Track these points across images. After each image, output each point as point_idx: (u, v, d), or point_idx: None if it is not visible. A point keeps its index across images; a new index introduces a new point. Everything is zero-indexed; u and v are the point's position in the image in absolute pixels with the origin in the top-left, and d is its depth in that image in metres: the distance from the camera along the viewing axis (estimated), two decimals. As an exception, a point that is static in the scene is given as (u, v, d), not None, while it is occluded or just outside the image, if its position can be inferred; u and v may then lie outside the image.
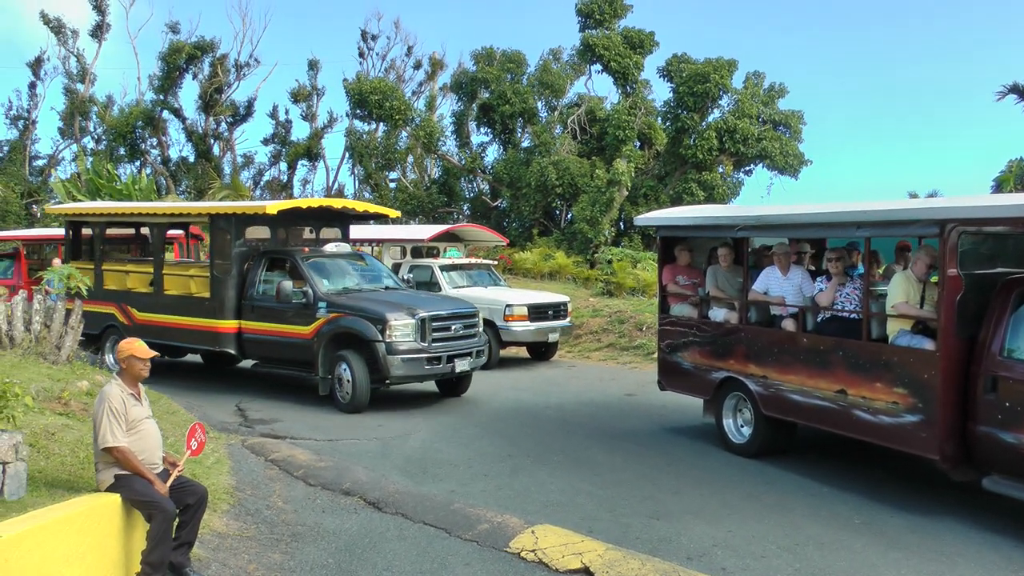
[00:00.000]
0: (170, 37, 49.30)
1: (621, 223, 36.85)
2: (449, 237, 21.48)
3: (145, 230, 17.82)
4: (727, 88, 35.42)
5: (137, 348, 6.42)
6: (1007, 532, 7.72)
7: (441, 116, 46.32)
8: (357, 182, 50.78)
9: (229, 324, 14.18)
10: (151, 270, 15.79)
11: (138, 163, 49.56)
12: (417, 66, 52.74)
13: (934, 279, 8.90)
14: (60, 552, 5.31)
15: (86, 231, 17.40)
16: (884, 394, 8.66)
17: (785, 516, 8.23)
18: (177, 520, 6.27)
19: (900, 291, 8.90)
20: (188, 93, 53.62)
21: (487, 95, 39.42)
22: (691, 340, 11.34)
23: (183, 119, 50.22)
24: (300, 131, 53.76)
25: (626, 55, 36.02)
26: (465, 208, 43.64)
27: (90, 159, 42.31)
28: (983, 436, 7.94)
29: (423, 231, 22.84)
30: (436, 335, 13.10)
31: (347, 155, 47.90)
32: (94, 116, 52.24)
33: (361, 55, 52.30)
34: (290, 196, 52.00)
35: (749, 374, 10.31)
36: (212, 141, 50.93)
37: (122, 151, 49.16)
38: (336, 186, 52.94)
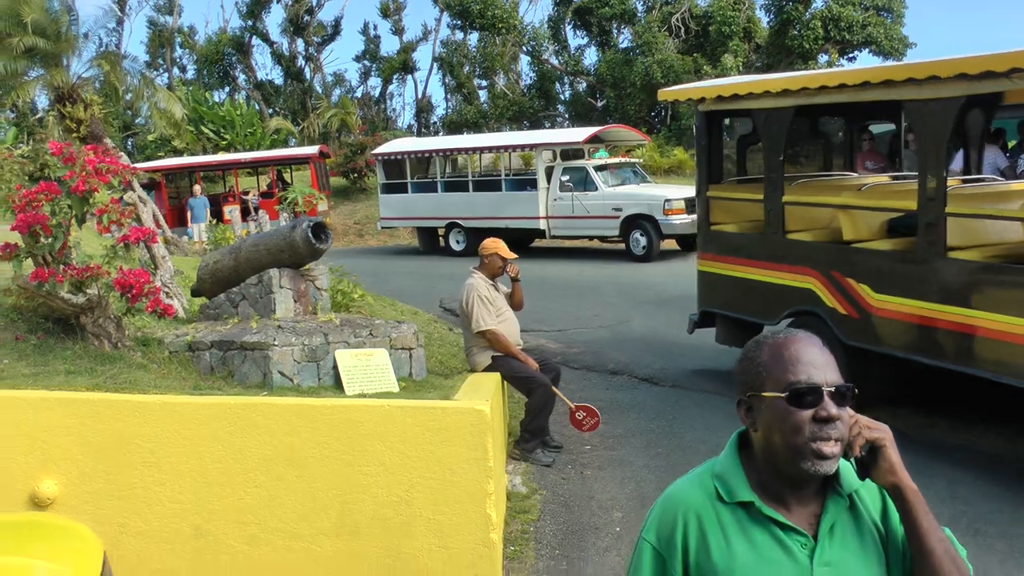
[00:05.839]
0: (256, -40, 49.62)
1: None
2: (593, 139, 21.90)
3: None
4: (830, -25, 35.21)
5: (501, 248, 7.47)
6: None
7: (531, 23, 46.60)
8: (447, 92, 51.35)
9: None
10: (904, 202, 7.23)
11: (227, 89, 50.63)
12: (503, -29, 52.59)
13: None
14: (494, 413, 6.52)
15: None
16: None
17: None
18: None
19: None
20: (273, 18, 53.76)
21: (583, -2, 39.57)
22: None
23: (271, 43, 50.98)
24: (389, 45, 54.11)
25: (730, -52, 35.92)
26: (560, 110, 44.06)
27: (189, 88, 43.61)
28: None
29: (574, 134, 23.19)
30: None
31: (435, 66, 48.51)
32: (177, 47, 53.27)
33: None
34: (383, 113, 53.01)
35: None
36: (302, 63, 51.69)
37: (212, 79, 50.25)
38: (425, 98, 53.65)
